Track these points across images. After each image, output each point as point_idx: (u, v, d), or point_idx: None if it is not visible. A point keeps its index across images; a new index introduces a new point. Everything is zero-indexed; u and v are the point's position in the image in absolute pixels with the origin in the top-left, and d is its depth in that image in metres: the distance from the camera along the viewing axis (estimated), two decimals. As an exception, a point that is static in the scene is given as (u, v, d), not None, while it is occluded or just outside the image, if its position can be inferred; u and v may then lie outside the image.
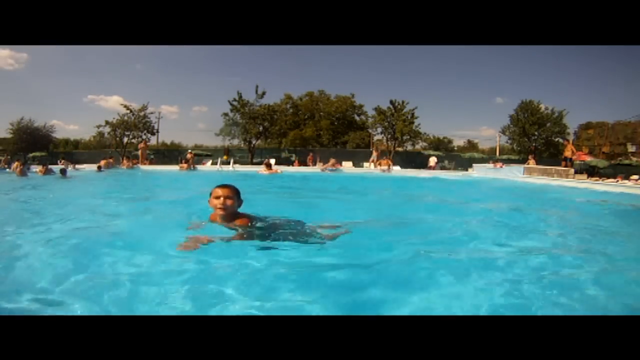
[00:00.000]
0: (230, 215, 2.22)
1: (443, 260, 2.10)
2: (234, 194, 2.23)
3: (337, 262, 2.01)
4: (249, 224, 2.25)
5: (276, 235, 2.24)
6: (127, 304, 1.42)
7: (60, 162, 13.33)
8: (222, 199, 2.17)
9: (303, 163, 18.47)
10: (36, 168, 10.84)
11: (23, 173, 9.04)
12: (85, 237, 2.49)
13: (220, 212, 2.18)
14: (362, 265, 1.97)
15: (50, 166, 10.21)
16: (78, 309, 1.36)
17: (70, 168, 11.70)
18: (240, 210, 2.31)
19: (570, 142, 15.10)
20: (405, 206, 5.01)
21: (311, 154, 18.90)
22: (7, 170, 11.72)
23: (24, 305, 1.38)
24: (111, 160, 14.27)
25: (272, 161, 16.96)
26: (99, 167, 12.14)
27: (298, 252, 2.05)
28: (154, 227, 2.97)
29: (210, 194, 2.24)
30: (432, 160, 19.18)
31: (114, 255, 1.98)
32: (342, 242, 2.30)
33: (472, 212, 4.32)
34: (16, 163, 10.74)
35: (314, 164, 16.63)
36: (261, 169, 11.60)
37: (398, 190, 8.19)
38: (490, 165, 14.49)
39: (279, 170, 11.66)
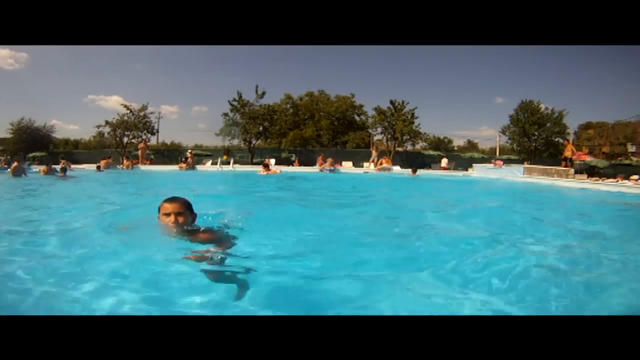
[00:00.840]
0: (186, 232, 1.98)
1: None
2: (185, 208, 2.00)
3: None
4: (217, 239, 2.02)
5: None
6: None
7: (61, 162, 13.36)
8: (172, 215, 1.94)
9: (304, 163, 18.42)
10: (36, 168, 10.84)
11: (16, 173, 8.55)
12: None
13: (173, 229, 1.94)
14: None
15: (53, 166, 10.19)
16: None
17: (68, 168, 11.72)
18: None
19: (570, 142, 15.11)
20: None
21: (322, 154, 18.37)
22: (8, 170, 11.73)
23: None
24: (110, 161, 14.27)
25: (272, 161, 16.92)
26: (98, 167, 12.16)
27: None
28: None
29: (159, 210, 2.01)
30: (444, 162, 19.26)
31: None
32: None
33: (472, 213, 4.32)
34: (15, 163, 10.73)
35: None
36: (260, 169, 11.59)
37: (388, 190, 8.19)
38: (491, 165, 14.51)
39: (278, 171, 11.65)
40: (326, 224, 3.36)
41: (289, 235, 2.62)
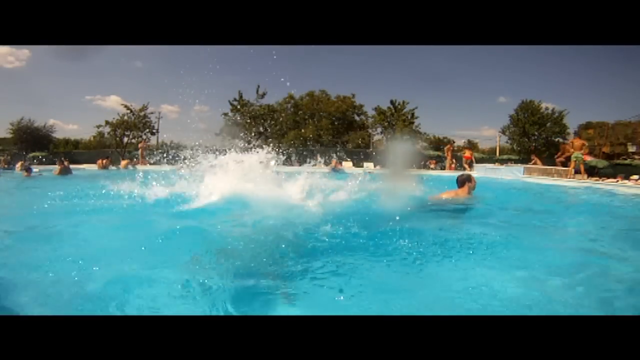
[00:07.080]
0: None
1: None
2: None
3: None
4: None
5: None
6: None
7: (65, 162, 13.36)
8: None
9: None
10: (36, 168, 10.85)
11: (28, 173, 9.33)
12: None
13: None
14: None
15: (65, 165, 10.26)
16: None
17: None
18: None
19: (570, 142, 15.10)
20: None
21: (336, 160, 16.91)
22: (8, 170, 11.73)
23: None
24: (108, 161, 14.23)
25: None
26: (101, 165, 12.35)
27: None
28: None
29: None
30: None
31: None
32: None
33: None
34: (19, 163, 10.87)
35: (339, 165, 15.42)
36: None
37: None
38: (491, 165, 14.53)
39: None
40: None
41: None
